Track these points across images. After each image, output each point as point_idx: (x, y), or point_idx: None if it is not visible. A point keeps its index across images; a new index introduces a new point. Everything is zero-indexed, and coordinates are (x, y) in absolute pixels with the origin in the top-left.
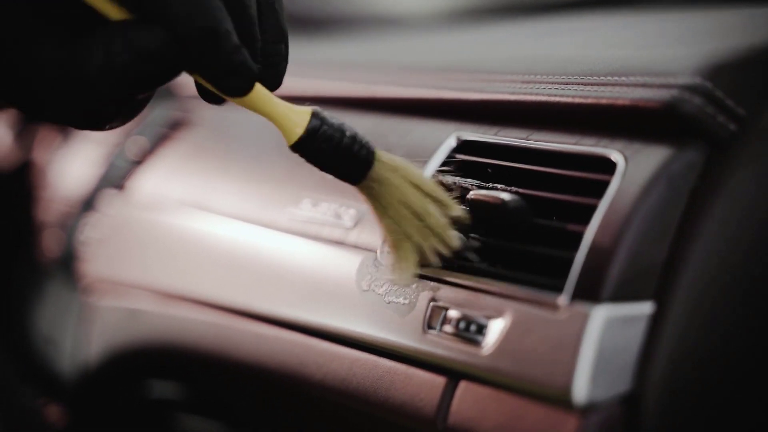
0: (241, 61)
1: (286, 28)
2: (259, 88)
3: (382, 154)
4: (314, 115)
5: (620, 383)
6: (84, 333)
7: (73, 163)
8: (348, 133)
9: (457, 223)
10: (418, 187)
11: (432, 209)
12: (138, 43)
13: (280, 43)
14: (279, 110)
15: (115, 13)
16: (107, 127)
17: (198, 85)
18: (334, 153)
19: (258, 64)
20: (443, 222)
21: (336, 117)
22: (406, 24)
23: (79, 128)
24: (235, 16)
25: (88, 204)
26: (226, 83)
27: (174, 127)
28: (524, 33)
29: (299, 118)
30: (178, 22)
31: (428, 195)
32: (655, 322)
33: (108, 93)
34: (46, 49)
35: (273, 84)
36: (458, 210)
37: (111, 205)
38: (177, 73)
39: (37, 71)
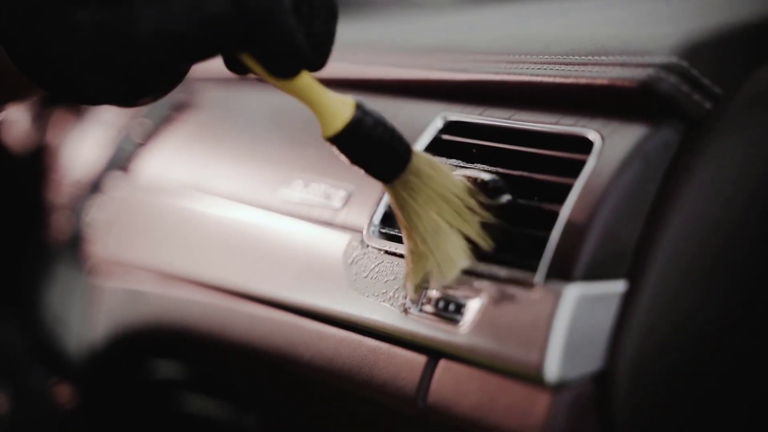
0: (297, 43)
1: (336, 6)
2: (304, 72)
3: (418, 153)
4: (358, 108)
5: (592, 361)
6: (90, 314)
7: (83, 145)
8: (389, 129)
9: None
10: (448, 187)
11: (462, 210)
12: (201, 7)
13: (331, 22)
14: (321, 98)
15: None
16: (140, 102)
17: (227, 62)
18: (372, 149)
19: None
20: (472, 224)
21: (376, 109)
22: (400, 3)
23: (111, 104)
24: None
25: (95, 186)
26: (277, 64)
27: (178, 109)
28: (512, 13)
29: (341, 109)
30: None
31: (458, 196)
32: (627, 301)
33: (158, 60)
34: (87, 12)
35: (317, 65)
36: (486, 215)
37: (116, 187)
38: (230, 46)
39: (75, 38)
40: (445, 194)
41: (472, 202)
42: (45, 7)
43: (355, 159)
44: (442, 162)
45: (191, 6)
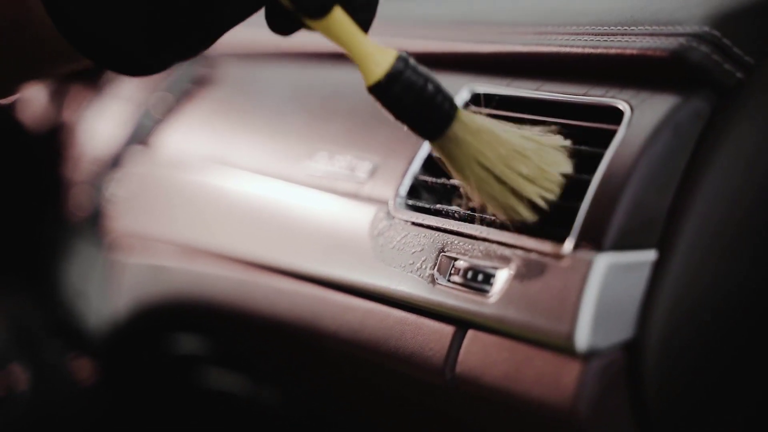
0: None
1: None
2: (341, 15)
3: (463, 112)
4: (400, 57)
5: (622, 330)
6: (111, 288)
7: (102, 121)
8: (433, 83)
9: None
10: (496, 149)
11: (521, 170)
12: None
13: None
14: (362, 46)
15: None
16: (197, 48)
17: (268, 13)
18: (414, 102)
19: None
20: (528, 186)
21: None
22: None
23: (165, 55)
24: None
25: (115, 161)
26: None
27: (198, 83)
28: None
29: (383, 58)
30: None
31: (505, 161)
32: (658, 270)
33: None
34: None
35: (366, 20)
36: (548, 178)
37: (136, 162)
38: None
39: None
40: (491, 157)
41: (521, 167)
42: None
43: (397, 112)
44: (492, 121)
45: None
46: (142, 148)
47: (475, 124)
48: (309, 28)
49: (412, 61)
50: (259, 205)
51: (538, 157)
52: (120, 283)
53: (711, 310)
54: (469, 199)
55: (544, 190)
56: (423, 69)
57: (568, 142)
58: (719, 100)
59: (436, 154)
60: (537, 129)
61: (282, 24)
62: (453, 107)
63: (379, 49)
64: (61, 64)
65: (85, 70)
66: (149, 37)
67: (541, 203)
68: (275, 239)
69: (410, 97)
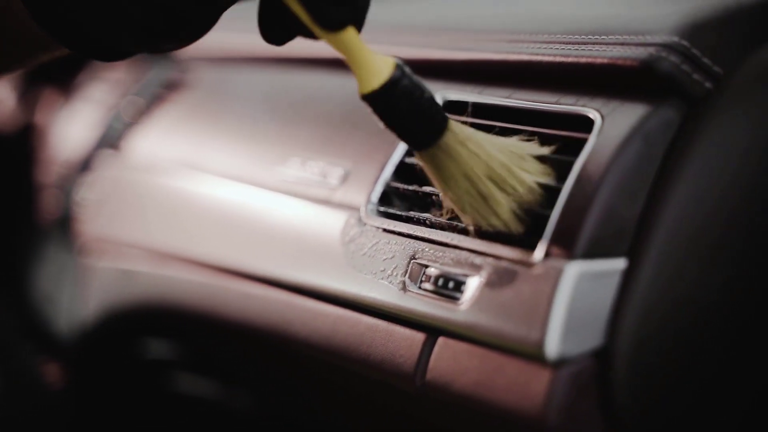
0: None
1: None
2: (351, 28)
3: (453, 123)
4: (397, 66)
5: (592, 338)
6: (81, 293)
7: (72, 124)
8: (427, 93)
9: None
10: (485, 163)
11: (500, 186)
12: None
13: None
14: (361, 53)
15: None
16: (174, 44)
17: (262, 17)
18: (408, 111)
19: None
20: (508, 203)
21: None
22: None
23: (140, 48)
24: None
25: (85, 165)
26: (328, 12)
27: (170, 87)
28: None
29: (380, 67)
30: None
31: (491, 175)
32: (628, 278)
33: None
34: None
35: (360, 26)
36: (530, 189)
37: (107, 166)
38: None
39: None
40: (475, 169)
41: (508, 180)
42: None
43: (390, 121)
44: (477, 132)
45: None
46: (113, 152)
47: (464, 135)
48: (312, 37)
49: (407, 69)
50: (230, 211)
51: (519, 168)
52: (90, 287)
53: (684, 320)
54: (441, 206)
55: (523, 200)
56: (418, 80)
57: (544, 150)
58: (688, 109)
59: (420, 163)
60: (515, 138)
61: (279, 33)
62: (444, 118)
63: (378, 58)
64: (36, 54)
65: (56, 72)
66: (144, 32)
67: (520, 214)
68: (247, 245)
69: (405, 107)
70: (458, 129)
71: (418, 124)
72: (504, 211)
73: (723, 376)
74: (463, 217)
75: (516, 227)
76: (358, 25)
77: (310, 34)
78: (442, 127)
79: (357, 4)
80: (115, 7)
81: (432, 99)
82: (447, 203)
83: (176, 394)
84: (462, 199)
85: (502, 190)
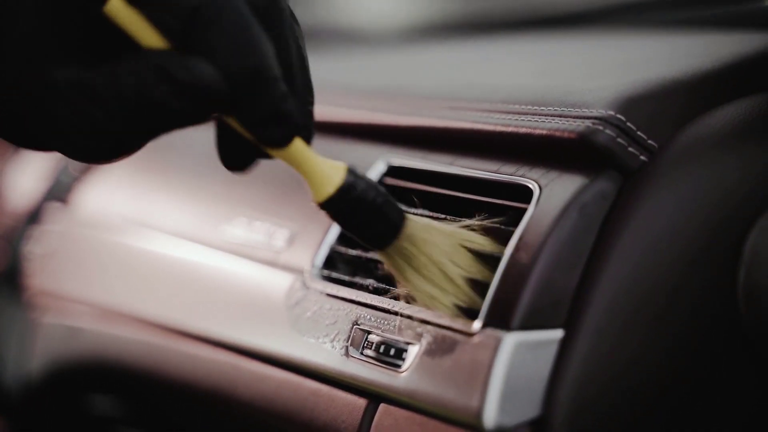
0: (289, 109)
1: (313, 86)
2: (298, 141)
3: (410, 219)
4: (349, 171)
5: (530, 408)
6: (27, 347)
7: (21, 176)
8: (381, 194)
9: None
10: (445, 252)
11: (454, 277)
12: (181, 76)
13: (311, 99)
14: (310, 162)
15: (152, 40)
16: (119, 158)
17: (220, 145)
18: (364, 214)
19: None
20: (462, 293)
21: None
22: (345, 37)
23: (85, 161)
24: (281, 63)
25: (33, 218)
26: (269, 132)
27: None
28: (462, 55)
29: (331, 174)
30: (230, 58)
31: (453, 261)
32: (564, 349)
33: (137, 127)
34: (67, 72)
35: (309, 138)
36: (481, 273)
37: (55, 219)
38: (214, 113)
39: (54, 97)
40: (440, 260)
41: (465, 267)
42: (23, 65)
43: (347, 225)
44: (432, 224)
45: (170, 74)
46: (61, 206)
47: (420, 229)
48: (267, 157)
49: (360, 173)
50: (177, 270)
51: (467, 258)
52: (37, 341)
53: (625, 390)
54: (383, 272)
55: (461, 295)
56: (371, 181)
57: (487, 242)
58: (624, 181)
59: (380, 258)
60: (459, 224)
61: (237, 159)
62: (401, 216)
63: (328, 165)
64: None
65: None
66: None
67: (464, 305)
68: (192, 304)
69: (360, 210)
70: (415, 225)
71: (375, 225)
72: (449, 301)
73: None
74: (397, 281)
75: (458, 312)
76: (306, 136)
77: (265, 155)
78: (398, 226)
79: (298, 118)
80: (58, 134)
81: (386, 198)
82: (401, 288)
83: None
84: (419, 287)
85: (452, 281)
